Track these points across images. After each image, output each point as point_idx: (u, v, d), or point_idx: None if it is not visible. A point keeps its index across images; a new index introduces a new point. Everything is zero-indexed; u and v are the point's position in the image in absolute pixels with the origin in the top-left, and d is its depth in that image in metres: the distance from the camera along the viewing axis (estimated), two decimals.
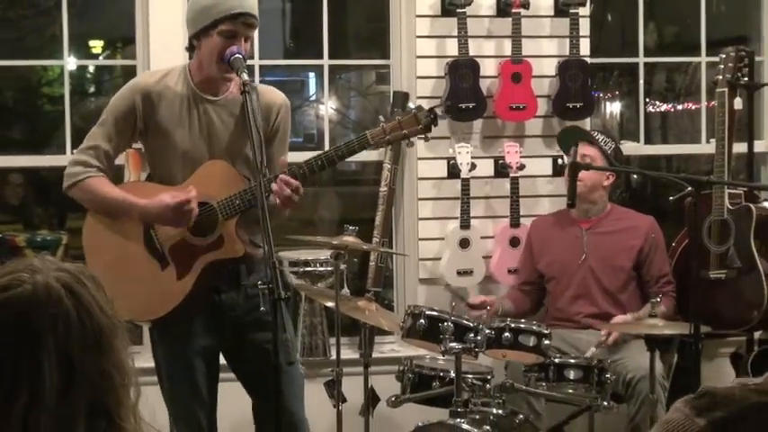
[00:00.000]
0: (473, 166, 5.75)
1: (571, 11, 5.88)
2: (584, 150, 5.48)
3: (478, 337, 4.88)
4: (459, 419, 4.60)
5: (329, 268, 5.56)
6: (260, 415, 4.41)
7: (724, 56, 5.72)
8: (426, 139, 4.43)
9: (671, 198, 5.16)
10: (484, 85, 5.84)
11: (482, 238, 5.87)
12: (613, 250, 5.58)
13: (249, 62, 4.43)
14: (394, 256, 5.94)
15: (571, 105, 5.92)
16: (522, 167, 5.80)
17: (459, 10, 5.73)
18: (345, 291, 5.53)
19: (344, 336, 5.51)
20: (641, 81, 6.53)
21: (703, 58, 6.47)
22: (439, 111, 4.35)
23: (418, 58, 5.89)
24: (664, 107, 8.66)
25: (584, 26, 6.01)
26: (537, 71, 5.90)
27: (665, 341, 5.30)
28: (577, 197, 5.49)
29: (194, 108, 4.25)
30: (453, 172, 5.81)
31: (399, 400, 5.06)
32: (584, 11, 5.99)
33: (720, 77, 5.68)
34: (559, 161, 5.97)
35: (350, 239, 5.06)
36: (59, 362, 1.74)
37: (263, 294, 3.77)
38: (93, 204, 4.30)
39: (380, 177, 5.88)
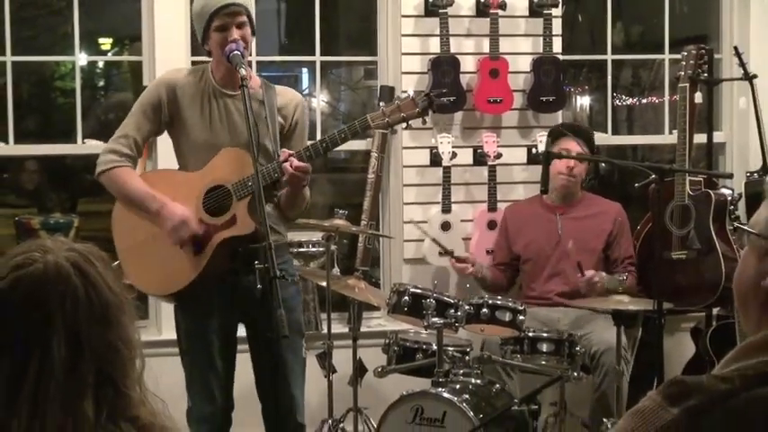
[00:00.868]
0: (454, 155, 5.75)
1: (545, 11, 5.88)
2: (567, 145, 5.49)
3: (458, 313, 4.89)
4: (440, 389, 4.60)
5: (321, 249, 5.55)
6: (261, 392, 4.42)
7: (685, 53, 5.73)
8: (424, 122, 4.42)
9: (636, 185, 5.18)
10: (464, 80, 5.83)
11: (462, 221, 5.86)
12: (586, 233, 5.58)
13: (248, 58, 4.42)
14: (380, 237, 5.93)
15: (544, 99, 5.92)
16: (498, 156, 5.79)
17: (441, 10, 5.72)
18: (336, 270, 5.53)
19: (335, 311, 5.49)
20: (609, 77, 6.51)
21: (666, 56, 6.47)
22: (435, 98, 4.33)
23: (403, 55, 5.87)
24: (630, 101, 8.65)
25: (557, 26, 6.01)
26: (513, 67, 5.89)
27: (630, 317, 5.30)
28: (565, 188, 5.54)
29: (215, 102, 4.29)
30: (435, 160, 5.81)
31: (385, 370, 5.06)
32: (557, 11, 5.98)
33: (682, 73, 5.69)
34: (533, 150, 5.97)
35: (340, 222, 5.06)
36: (67, 335, 1.74)
37: (260, 273, 3.77)
38: (117, 194, 4.37)
39: (368, 165, 5.87)
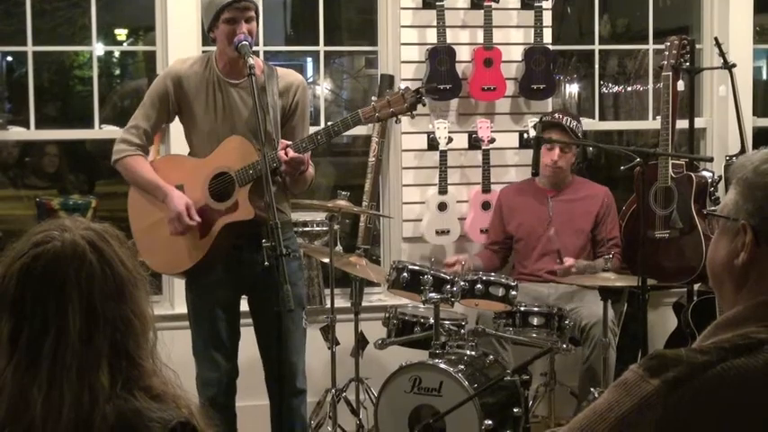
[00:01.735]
0: (450, 140, 5.73)
1: (536, 4, 5.86)
2: (555, 135, 5.47)
3: (454, 289, 4.88)
4: (437, 360, 4.61)
5: (324, 228, 5.53)
6: (265, 360, 4.43)
7: (668, 44, 5.72)
8: (412, 117, 4.45)
9: (622, 168, 5.17)
10: (459, 68, 5.81)
11: (458, 202, 5.85)
12: (575, 215, 5.58)
13: (255, 48, 4.42)
14: (381, 217, 5.92)
15: (535, 87, 5.90)
16: (492, 141, 5.78)
17: (437, 3, 5.70)
18: (338, 248, 5.53)
19: (338, 287, 5.50)
20: (596, 66, 6.50)
21: (650, 46, 6.44)
22: (423, 93, 4.33)
23: (402, 45, 5.85)
24: (616, 88, 8.61)
25: (547, 17, 5.98)
26: (506, 57, 5.87)
27: (616, 292, 5.30)
28: (552, 177, 5.52)
29: (218, 91, 4.30)
30: (432, 145, 5.79)
31: (385, 343, 5.07)
32: (547, 4, 5.96)
33: (665, 63, 5.68)
34: (524, 135, 5.95)
35: (342, 203, 5.05)
36: (82, 307, 1.76)
37: (266, 250, 3.77)
38: (130, 180, 4.42)
39: (369, 149, 5.87)
